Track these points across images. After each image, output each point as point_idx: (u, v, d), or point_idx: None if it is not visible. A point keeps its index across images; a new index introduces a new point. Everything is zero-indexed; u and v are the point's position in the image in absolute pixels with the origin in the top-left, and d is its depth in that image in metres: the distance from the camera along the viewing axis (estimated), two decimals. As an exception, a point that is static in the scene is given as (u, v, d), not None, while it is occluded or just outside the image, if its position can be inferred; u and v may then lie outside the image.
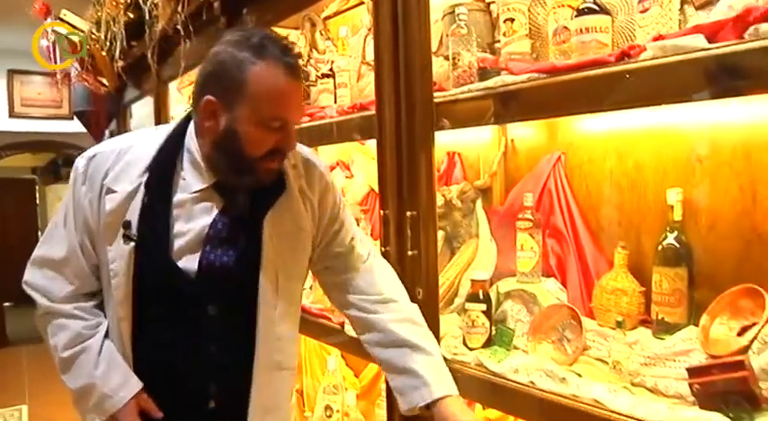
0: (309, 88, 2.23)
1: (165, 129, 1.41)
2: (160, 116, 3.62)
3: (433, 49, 1.69)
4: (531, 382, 1.40)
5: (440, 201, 1.83)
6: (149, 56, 3.29)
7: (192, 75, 3.25)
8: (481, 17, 1.71)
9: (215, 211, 1.35)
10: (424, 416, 1.41)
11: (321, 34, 2.41)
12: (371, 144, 1.95)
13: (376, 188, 1.91)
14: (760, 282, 1.24)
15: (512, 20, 1.54)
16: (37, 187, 11.05)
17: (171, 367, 1.37)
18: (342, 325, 1.87)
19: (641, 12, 1.29)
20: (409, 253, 1.61)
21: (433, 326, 1.60)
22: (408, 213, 1.61)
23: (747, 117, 1.34)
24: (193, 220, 1.34)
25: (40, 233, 10.69)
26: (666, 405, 1.19)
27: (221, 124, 1.26)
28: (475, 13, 1.68)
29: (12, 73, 7.71)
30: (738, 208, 1.36)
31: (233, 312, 1.38)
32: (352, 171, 2.40)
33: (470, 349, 1.60)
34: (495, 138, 1.89)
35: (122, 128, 4.73)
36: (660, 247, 1.39)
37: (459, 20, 1.59)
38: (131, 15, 3.44)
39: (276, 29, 2.40)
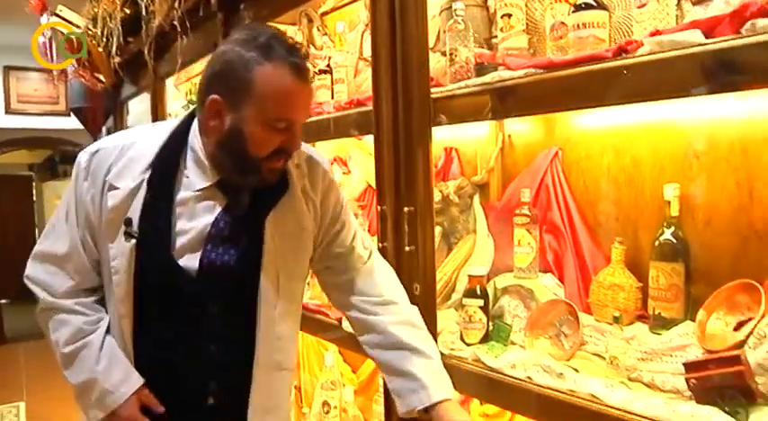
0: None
1: (169, 126, 1.39)
2: (157, 112, 3.61)
3: (431, 44, 1.69)
4: (529, 378, 1.40)
5: (437, 196, 1.83)
6: (146, 52, 3.28)
7: (189, 71, 3.26)
8: (478, 13, 1.71)
9: (217, 210, 1.34)
10: (422, 420, 1.41)
11: (318, 30, 2.40)
12: (369, 140, 1.95)
13: (373, 184, 1.91)
14: (756, 277, 1.24)
15: (509, 15, 1.54)
16: (34, 184, 11.02)
17: (171, 364, 1.37)
18: (339, 321, 1.87)
19: (638, 7, 1.29)
20: (406, 248, 1.61)
21: (431, 321, 1.60)
22: (405, 209, 1.61)
23: (744, 113, 1.34)
24: (195, 219, 1.33)
25: (37, 230, 10.68)
26: (663, 400, 1.19)
27: (226, 124, 1.25)
28: (472, 9, 1.68)
29: (8, 69, 7.68)
30: (735, 203, 1.37)
31: (233, 311, 1.38)
32: (349, 167, 2.40)
33: (468, 344, 1.61)
34: (492, 134, 1.89)
35: (119, 124, 4.72)
36: (657, 243, 1.39)
37: (457, 15, 1.58)
38: (128, 11, 3.43)
39: (273, 25, 2.41)
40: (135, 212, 1.32)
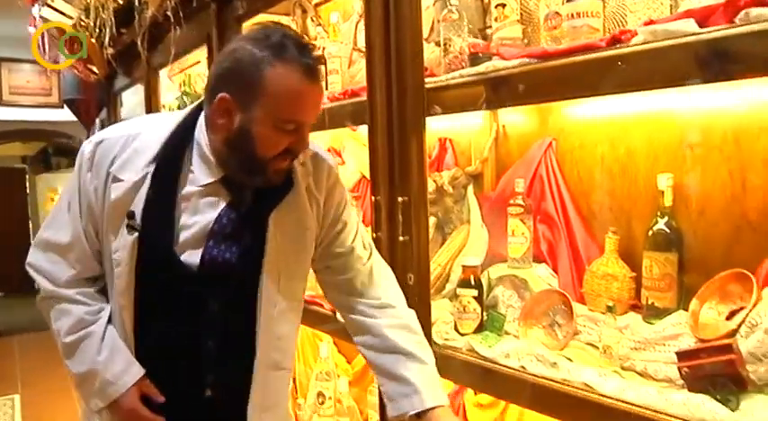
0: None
1: (175, 118, 1.38)
2: (151, 104, 3.60)
3: (425, 34, 1.68)
4: (522, 367, 1.41)
5: (431, 187, 1.83)
6: (139, 43, 3.26)
7: (183, 62, 3.25)
8: (472, 3, 1.71)
9: (221, 206, 1.33)
10: None
11: (312, 20, 2.39)
12: (363, 130, 1.95)
13: (367, 174, 1.91)
14: (749, 266, 1.25)
15: (503, 5, 1.54)
16: (27, 177, 10.97)
17: (170, 356, 1.37)
18: (334, 312, 1.87)
19: (632, -4, 1.29)
20: (400, 238, 1.61)
21: (425, 311, 1.61)
22: (400, 199, 1.61)
23: (737, 103, 1.34)
24: (198, 214, 1.32)
25: (30, 223, 10.65)
26: (656, 388, 1.20)
27: (235, 123, 1.23)
28: (466, -1, 1.68)
29: (0, 61, 7.64)
30: (728, 193, 1.37)
31: (233, 309, 1.37)
32: (343, 158, 2.40)
33: (462, 334, 1.61)
34: (486, 125, 1.89)
35: (113, 116, 4.70)
36: (651, 233, 1.39)
37: (451, 5, 1.58)
38: (120, 1, 3.40)
39: (266, 15, 2.40)
40: (138, 205, 1.31)
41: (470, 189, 1.88)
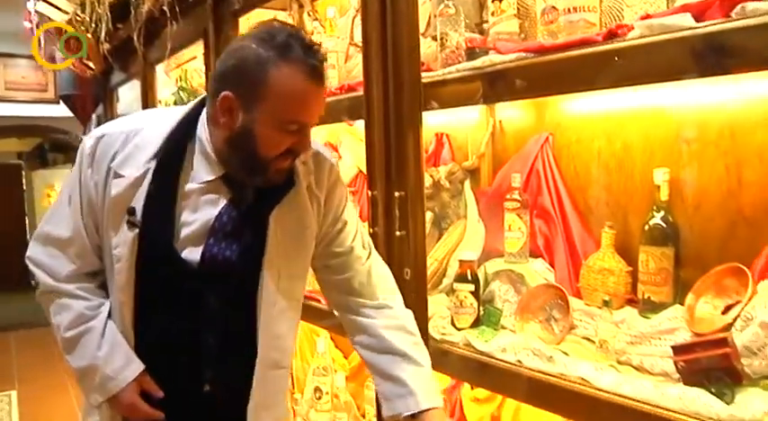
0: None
1: (176, 113, 1.36)
2: (147, 99, 3.59)
3: (421, 29, 1.68)
4: (519, 361, 1.41)
5: (428, 181, 1.83)
6: (135, 38, 3.24)
7: (180, 57, 3.24)
8: (469, -3, 1.71)
9: (221, 203, 1.33)
10: None
11: (309, 15, 2.38)
12: (359, 125, 1.95)
13: (364, 169, 1.91)
14: (744, 261, 1.25)
15: (500, 0, 1.54)
16: (23, 173, 10.94)
17: (169, 351, 1.37)
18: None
19: (629, -9, 1.29)
20: (397, 233, 1.61)
21: (421, 306, 1.61)
22: (396, 194, 1.61)
23: (733, 98, 1.34)
24: (199, 211, 1.32)
25: (27, 219, 10.63)
26: (652, 382, 1.21)
27: (237, 122, 1.23)
28: (463, -7, 1.67)
29: (-5, 56, 7.62)
30: (724, 188, 1.37)
31: (233, 306, 1.37)
32: (340, 152, 2.39)
33: (458, 329, 1.62)
34: (483, 119, 1.89)
35: (109, 112, 4.68)
36: (647, 227, 1.40)
37: (448, 0, 1.58)
38: (116, -4, 3.40)
39: (263, 10, 2.39)
40: (139, 202, 1.30)
41: (467, 184, 1.88)
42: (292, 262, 1.41)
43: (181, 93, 3.32)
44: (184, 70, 3.35)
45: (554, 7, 1.39)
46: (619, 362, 1.32)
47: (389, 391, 1.41)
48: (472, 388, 1.84)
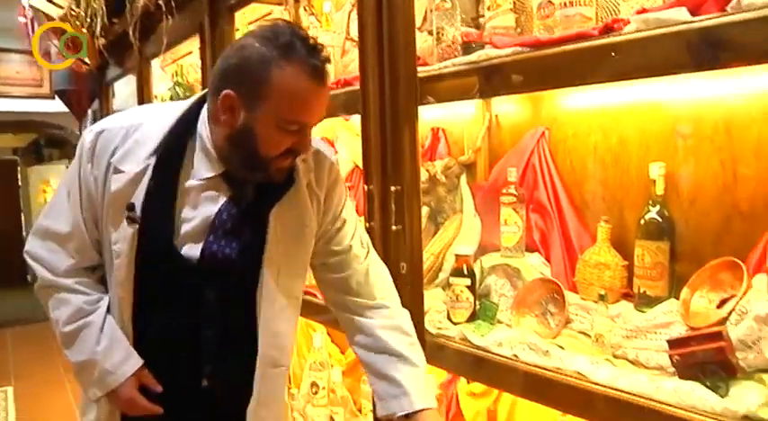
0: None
1: (177, 109, 1.36)
2: (143, 95, 3.58)
3: (418, 24, 1.68)
4: (515, 356, 1.42)
5: (424, 176, 1.83)
6: (131, 33, 3.23)
7: (176, 52, 3.23)
8: (465, -9, 1.70)
9: (221, 201, 1.32)
10: None
11: (305, 10, 2.38)
12: (355, 120, 1.94)
13: (360, 164, 1.91)
14: (739, 255, 1.25)
15: (496, -6, 1.54)
16: (19, 169, 10.91)
17: (168, 347, 1.37)
18: (327, 301, 1.87)
19: (625, -15, 1.29)
20: (393, 227, 1.61)
21: (418, 301, 1.61)
22: (392, 188, 1.61)
23: (729, 93, 1.35)
24: (199, 208, 1.32)
25: (23, 216, 10.60)
26: (647, 376, 1.21)
27: (239, 120, 1.22)
28: (459, -12, 1.67)
29: (-11, 51, 7.58)
30: (719, 182, 1.38)
31: (233, 304, 1.37)
32: (336, 147, 2.39)
33: (455, 323, 1.62)
34: (479, 114, 1.89)
35: (105, 107, 4.67)
36: (642, 221, 1.40)
37: (444, -6, 1.58)
38: (111, -9, 3.39)
39: (259, 5, 2.39)
40: (138, 198, 1.30)
41: (463, 178, 1.88)
42: (292, 259, 1.40)
43: (177, 88, 3.31)
44: (180, 65, 3.34)
45: (550, 2, 1.39)
46: (614, 356, 1.33)
47: (384, 391, 1.42)
48: (468, 382, 1.84)
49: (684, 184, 1.43)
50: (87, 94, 5.27)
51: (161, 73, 3.61)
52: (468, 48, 1.53)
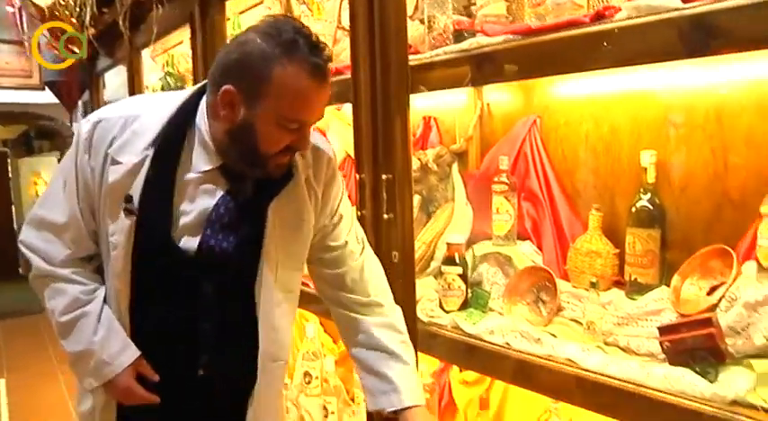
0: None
1: (175, 100, 1.35)
2: (134, 85, 3.56)
3: (409, 12, 1.67)
4: (507, 343, 1.42)
5: (416, 164, 1.83)
6: (121, 22, 3.21)
7: (166, 42, 3.21)
8: (457, -21, 1.70)
9: (219, 194, 1.32)
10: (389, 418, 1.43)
11: (296, -1, 2.37)
12: (347, 109, 1.94)
13: (352, 154, 1.90)
14: (729, 243, 1.26)
15: (488, -18, 1.53)
16: (9, 161, 10.82)
17: (165, 339, 1.37)
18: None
19: (617, -28, 1.29)
20: (385, 216, 1.61)
21: (409, 289, 1.62)
22: (384, 176, 1.61)
23: (720, 82, 1.35)
24: (196, 201, 1.31)
25: (14, 208, 10.53)
26: (638, 363, 1.22)
27: (238, 116, 1.21)
28: (451, -25, 1.66)
29: (-23, 41, 7.50)
30: (710, 171, 1.38)
31: (230, 297, 1.37)
32: (328, 137, 2.38)
33: (446, 312, 1.62)
34: (470, 102, 1.89)
35: (95, 98, 4.64)
36: (634, 209, 1.40)
37: (435, -18, 1.57)
38: (101, -20, 3.36)
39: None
40: (136, 189, 1.29)
41: (455, 167, 1.88)
42: (290, 254, 1.40)
43: (168, 78, 3.29)
44: (171, 55, 3.32)
45: (542, -11, 1.39)
46: (606, 344, 1.33)
47: (375, 387, 1.44)
48: (461, 370, 1.85)
49: (675, 172, 1.43)
50: (77, 84, 5.24)
51: (152, 63, 3.59)
52: (459, 36, 1.53)
